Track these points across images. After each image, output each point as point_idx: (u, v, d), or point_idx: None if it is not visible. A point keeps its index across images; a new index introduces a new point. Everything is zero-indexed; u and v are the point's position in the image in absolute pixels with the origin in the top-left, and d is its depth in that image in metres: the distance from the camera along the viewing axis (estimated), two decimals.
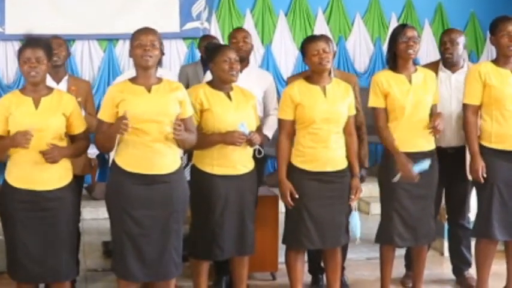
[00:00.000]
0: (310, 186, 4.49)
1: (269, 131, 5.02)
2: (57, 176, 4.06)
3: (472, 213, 5.23)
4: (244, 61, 5.05)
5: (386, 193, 4.74)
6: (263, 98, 5.13)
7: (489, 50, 9.55)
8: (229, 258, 4.62)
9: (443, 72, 5.06)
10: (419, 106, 4.64)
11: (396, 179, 4.60)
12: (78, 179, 4.58)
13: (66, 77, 4.96)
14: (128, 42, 4.35)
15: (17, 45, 8.22)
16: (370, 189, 6.19)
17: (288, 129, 4.54)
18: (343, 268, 5.01)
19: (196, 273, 4.58)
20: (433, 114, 4.71)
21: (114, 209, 4.08)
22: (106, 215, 4.22)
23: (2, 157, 4.08)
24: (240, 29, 5.55)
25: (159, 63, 4.20)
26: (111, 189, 4.12)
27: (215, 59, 4.47)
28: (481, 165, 4.64)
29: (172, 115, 4.02)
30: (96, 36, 8.84)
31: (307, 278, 5.18)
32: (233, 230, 4.48)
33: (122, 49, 8.78)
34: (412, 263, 5.01)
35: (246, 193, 4.53)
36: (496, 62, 4.76)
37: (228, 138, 4.38)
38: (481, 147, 4.70)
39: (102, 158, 8.00)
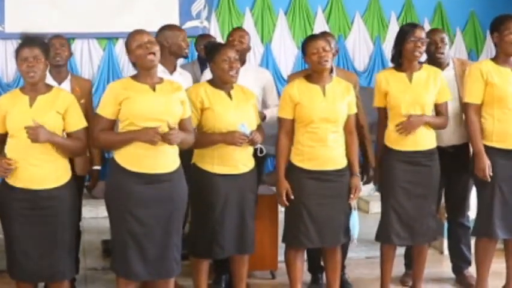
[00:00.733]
0: (309, 185, 4.50)
1: (268, 113, 5.02)
2: (55, 175, 4.05)
3: (472, 212, 5.24)
4: (240, 60, 5.03)
5: (385, 191, 4.75)
6: (262, 96, 5.12)
7: (489, 49, 9.54)
8: (229, 256, 4.62)
9: None
10: (416, 105, 4.63)
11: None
12: (79, 179, 4.57)
13: (68, 77, 4.93)
14: None
15: (16, 43, 8.18)
16: (369, 188, 6.20)
17: (287, 128, 4.54)
18: (343, 267, 5.01)
19: (196, 272, 4.58)
20: (439, 113, 4.73)
21: (115, 208, 4.08)
22: (105, 214, 4.22)
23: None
24: (237, 29, 5.56)
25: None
26: (111, 188, 4.11)
27: (215, 59, 4.47)
28: (487, 163, 4.63)
29: (175, 115, 4.03)
30: (95, 35, 8.84)
31: (307, 276, 5.18)
32: (233, 228, 4.49)
33: (122, 48, 8.76)
34: (412, 261, 5.01)
35: (247, 192, 4.53)
36: (496, 60, 4.76)
37: (229, 139, 4.38)
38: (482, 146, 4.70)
39: (102, 157, 7.97)
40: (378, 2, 9.59)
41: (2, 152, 4.08)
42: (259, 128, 4.61)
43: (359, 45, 9.57)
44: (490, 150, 4.68)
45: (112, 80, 8.42)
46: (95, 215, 7.25)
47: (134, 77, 4.12)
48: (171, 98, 4.06)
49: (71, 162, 4.30)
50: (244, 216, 4.53)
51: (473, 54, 9.71)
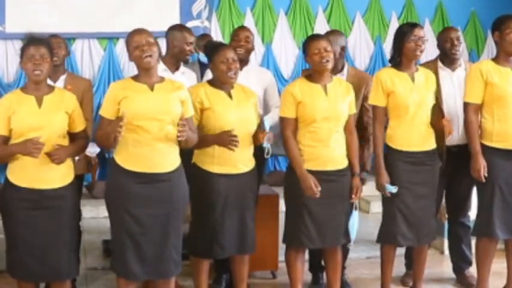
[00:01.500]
0: None
1: (270, 118, 4.97)
2: (59, 175, 4.05)
3: (472, 212, 5.23)
4: (243, 60, 5.04)
5: (390, 193, 4.73)
6: (264, 96, 5.12)
7: (489, 49, 9.56)
8: (229, 256, 4.62)
9: (444, 71, 5.06)
10: (422, 105, 4.64)
11: (392, 190, 4.63)
12: (78, 178, 4.57)
13: (64, 76, 4.93)
14: None
15: (17, 43, 8.24)
16: (370, 188, 6.19)
17: (292, 127, 4.51)
18: (343, 267, 5.01)
19: (197, 272, 4.58)
20: (436, 113, 4.72)
21: (114, 207, 4.08)
22: (106, 213, 4.22)
23: (6, 161, 4.06)
24: (243, 29, 5.44)
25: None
26: (111, 187, 4.12)
27: (213, 60, 4.46)
28: (482, 164, 4.64)
29: (173, 114, 4.03)
30: (96, 35, 8.84)
31: (307, 276, 5.18)
32: (233, 228, 4.48)
33: (122, 48, 8.76)
34: (413, 262, 5.01)
35: (247, 192, 4.52)
36: (496, 60, 4.76)
37: (220, 141, 4.35)
38: (482, 146, 4.70)
39: (102, 157, 8.00)
40: (378, 1, 9.60)
41: None
42: (259, 127, 4.60)
43: (360, 45, 9.58)
44: (490, 150, 4.67)
45: (113, 79, 8.44)
46: (95, 214, 7.25)
47: (134, 77, 4.13)
48: (169, 97, 4.06)
49: None
50: (245, 216, 4.52)
51: (474, 54, 9.72)
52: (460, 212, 5.30)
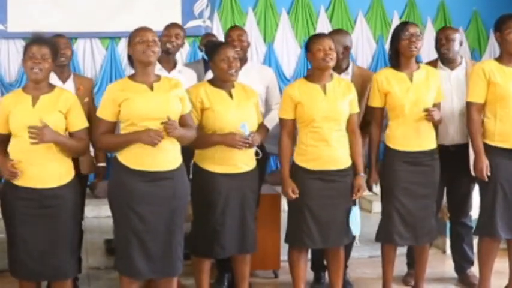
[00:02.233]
0: (312, 185, 4.48)
1: (269, 123, 4.94)
2: (58, 174, 4.05)
3: (474, 211, 5.23)
4: (241, 59, 5.03)
5: (387, 191, 4.74)
6: (266, 94, 5.11)
7: (492, 48, 9.55)
8: (231, 255, 4.62)
9: (443, 70, 5.05)
10: (419, 104, 4.63)
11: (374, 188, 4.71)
12: (82, 178, 4.57)
13: (71, 76, 4.94)
14: None
15: (19, 43, 8.26)
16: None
17: (289, 128, 4.54)
18: (345, 266, 5.00)
19: (198, 271, 4.58)
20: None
21: (118, 206, 4.08)
22: (108, 213, 4.22)
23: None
24: (234, 28, 5.44)
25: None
26: (114, 186, 4.12)
27: (214, 58, 4.46)
28: (485, 163, 4.64)
29: (175, 112, 4.04)
30: (98, 35, 8.85)
31: (309, 275, 5.17)
32: (234, 228, 4.48)
33: (124, 47, 8.76)
34: (414, 261, 5.00)
35: (248, 191, 4.52)
36: (499, 60, 4.75)
37: (229, 140, 4.36)
38: (485, 145, 4.69)
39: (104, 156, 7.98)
40: (380, 1, 9.60)
41: (6, 152, 4.08)
42: (260, 126, 4.60)
43: (362, 44, 9.58)
44: (492, 149, 4.67)
45: (114, 79, 8.43)
46: (97, 214, 7.26)
47: (131, 77, 4.13)
48: (170, 95, 4.06)
49: (75, 161, 4.32)
50: (246, 215, 4.52)
51: (476, 53, 9.71)
52: (461, 212, 5.30)
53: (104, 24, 8.69)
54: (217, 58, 4.43)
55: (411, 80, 4.67)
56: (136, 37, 4.04)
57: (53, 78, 4.49)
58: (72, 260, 4.18)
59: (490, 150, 4.67)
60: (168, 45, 5.10)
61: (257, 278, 5.38)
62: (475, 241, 5.09)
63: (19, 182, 4.00)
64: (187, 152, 4.30)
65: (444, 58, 5.08)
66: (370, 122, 4.83)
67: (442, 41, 5.07)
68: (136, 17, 8.19)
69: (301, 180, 4.50)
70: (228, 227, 4.45)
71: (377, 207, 5.02)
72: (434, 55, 5.37)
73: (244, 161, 4.47)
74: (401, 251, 5.13)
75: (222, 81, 4.48)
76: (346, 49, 5.03)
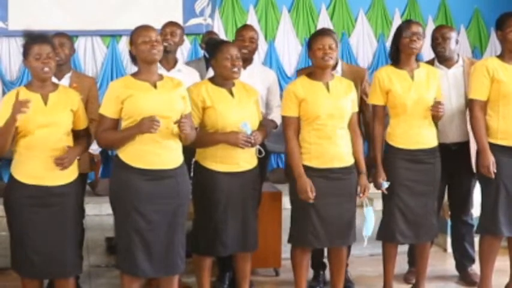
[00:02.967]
0: (317, 184, 4.44)
1: (276, 119, 4.97)
2: (64, 172, 4.05)
3: (475, 210, 5.23)
4: (247, 60, 5.03)
5: (388, 190, 4.73)
6: (266, 95, 5.11)
7: (493, 46, 9.55)
8: (232, 254, 4.62)
9: (440, 69, 5.04)
10: (420, 102, 4.63)
11: (385, 186, 4.66)
12: (81, 176, 4.58)
13: (69, 74, 4.92)
14: None
15: (20, 41, 8.20)
16: (373, 186, 6.19)
17: (294, 126, 4.50)
18: (346, 265, 5.00)
19: (199, 269, 4.57)
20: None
21: (119, 204, 4.08)
22: (109, 211, 4.23)
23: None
24: (248, 28, 5.32)
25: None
26: (115, 184, 4.12)
27: (217, 56, 4.45)
28: (491, 160, 4.62)
29: (177, 111, 4.04)
30: (99, 32, 8.85)
31: (309, 273, 5.17)
32: (236, 226, 4.48)
33: (125, 45, 8.77)
34: (415, 259, 5.01)
35: (249, 189, 4.52)
36: (501, 57, 4.75)
37: (232, 139, 4.35)
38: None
39: (105, 154, 8.00)
40: None
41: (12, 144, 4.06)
42: (261, 125, 4.60)
43: (363, 42, 9.57)
44: (494, 147, 4.67)
45: (116, 77, 8.44)
46: (98, 212, 7.26)
47: (134, 75, 4.14)
48: (173, 94, 4.07)
49: None
50: (247, 213, 4.52)
51: (477, 51, 9.71)
52: (462, 210, 5.30)
53: (105, 22, 8.69)
54: (221, 56, 4.42)
55: (412, 78, 4.67)
56: (139, 37, 4.04)
57: None
58: (76, 258, 4.20)
59: (492, 148, 4.66)
60: (164, 44, 5.06)
61: (258, 276, 5.38)
62: (476, 239, 5.09)
63: (27, 179, 4.01)
64: (188, 150, 4.30)
65: (440, 57, 5.08)
66: (364, 119, 4.88)
67: (438, 40, 5.07)
68: (137, 14, 8.20)
69: None
70: (229, 225, 4.45)
71: (378, 205, 5.01)
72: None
73: (245, 160, 4.47)
74: (402, 249, 5.13)
75: (224, 79, 4.47)
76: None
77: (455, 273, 5.44)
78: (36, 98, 4.03)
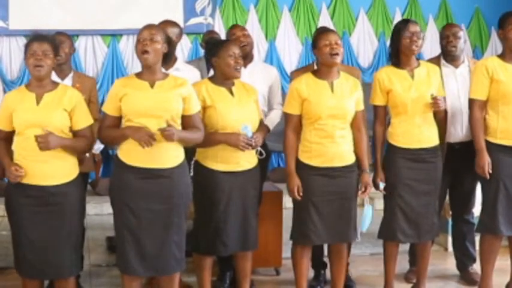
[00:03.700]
0: (317, 182, 4.47)
1: (269, 123, 4.94)
2: (63, 171, 4.06)
3: (476, 209, 5.23)
4: (248, 56, 5.03)
5: (389, 189, 4.73)
6: (268, 93, 5.11)
7: (493, 46, 9.55)
8: (232, 253, 4.62)
9: (447, 68, 5.05)
10: (421, 101, 4.63)
11: (381, 186, 4.69)
12: (82, 175, 4.58)
13: (71, 74, 4.93)
14: (131, 38, 4.39)
15: (20, 40, 8.25)
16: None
17: (294, 124, 4.52)
18: (347, 264, 5.00)
19: (200, 269, 4.57)
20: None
21: (116, 202, 4.11)
22: (110, 210, 4.23)
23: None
24: (236, 26, 5.47)
25: (168, 57, 4.19)
26: (113, 182, 4.15)
27: (220, 54, 4.45)
28: (487, 161, 4.63)
29: (173, 111, 4.03)
30: (99, 32, 8.84)
31: (310, 272, 5.17)
32: (236, 225, 4.48)
33: (126, 45, 8.80)
34: (416, 258, 5.01)
35: (249, 189, 4.52)
36: (502, 57, 4.75)
37: (233, 141, 4.35)
38: (487, 142, 4.69)
39: (106, 154, 8.00)
40: None
41: (10, 151, 4.08)
42: (261, 124, 4.59)
43: (363, 41, 9.57)
44: (494, 147, 4.67)
45: (116, 77, 8.43)
46: (99, 211, 7.27)
47: (138, 74, 4.15)
48: (169, 94, 4.06)
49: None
50: (247, 213, 4.52)
51: (478, 50, 9.70)
52: (464, 209, 5.30)
53: (105, 22, 8.69)
54: (225, 54, 4.41)
55: (412, 77, 4.68)
56: (137, 37, 4.07)
57: (52, 76, 4.46)
58: (75, 258, 4.19)
59: (492, 147, 4.67)
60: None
61: (259, 275, 5.38)
62: (477, 238, 5.09)
63: (25, 179, 4.00)
64: (189, 149, 4.30)
65: (450, 55, 5.08)
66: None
67: (450, 38, 5.06)
68: (138, 14, 8.21)
69: (306, 177, 4.49)
70: (230, 224, 4.45)
71: (379, 204, 5.02)
72: (436, 52, 5.37)
73: (246, 159, 4.47)
74: (403, 248, 5.13)
75: (225, 78, 4.47)
76: None
77: (456, 272, 5.44)
78: (30, 97, 4.03)
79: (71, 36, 5.10)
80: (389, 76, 4.70)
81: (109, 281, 5.30)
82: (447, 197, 5.32)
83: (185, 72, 4.95)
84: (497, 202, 4.68)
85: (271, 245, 5.27)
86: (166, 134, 3.94)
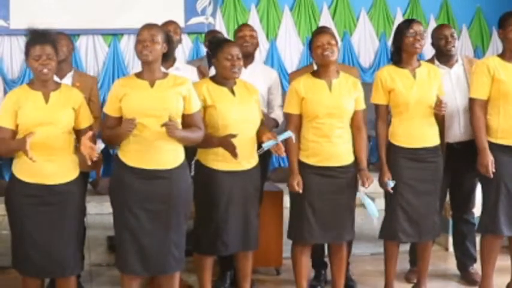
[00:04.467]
0: (313, 181, 4.49)
1: (277, 117, 5.02)
2: (65, 170, 4.06)
3: (477, 209, 5.23)
4: (249, 57, 5.05)
5: (392, 188, 4.73)
6: (267, 95, 5.11)
7: (494, 45, 9.54)
8: (233, 253, 4.62)
9: (442, 69, 5.04)
10: (423, 101, 4.64)
11: (390, 185, 4.65)
12: (83, 175, 4.58)
13: (71, 73, 4.93)
14: (132, 37, 4.39)
15: (21, 40, 8.22)
16: (374, 185, 6.19)
17: (295, 123, 4.53)
18: (348, 263, 5.00)
19: (201, 269, 4.58)
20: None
21: (115, 202, 4.12)
22: (110, 209, 4.23)
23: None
24: (246, 26, 5.53)
25: (168, 56, 4.19)
26: (113, 182, 4.16)
27: (217, 55, 4.46)
28: (490, 159, 4.63)
29: (173, 110, 4.03)
30: (100, 31, 8.84)
31: (311, 272, 5.17)
32: (237, 225, 4.48)
33: (127, 44, 8.79)
34: (417, 258, 5.01)
35: (250, 188, 4.52)
36: (502, 56, 4.75)
37: (224, 145, 4.29)
38: (487, 142, 4.69)
39: (106, 153, 7.99)
40: None
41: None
42: (262, 123, 4.60)
43: (364, 41, 9.56)
44: (495, 146, 4.67)
45: (117, 76, 8.44)
46: (99, 211, 7.25)
47: (138, 74, 4.16)
48: (169, 93, 4.06)
49: None
50: (248, 212, 4.52)
51: (479, 50, 9.70)
52: (464, 209, 5.30)
53: (106, 21, 8.69)
54: (222, 56, 4.42)
55: (414, 76, 4.68)
56: (137, 36, 4.07)
57: None
58: (76, 257, 4.19)
59: (492, 147, 4.67)
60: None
61: (259, 275, 5.38)
62: (478, 238, 5.09)
63: (28, 178, 4.00)
64: (190, 149, 4.30)
65: (447, 55, 5.08)
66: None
67: (449, 39, 5.06)
68: (138, 13, 8.19)
69: (303, 175, 4.50)
70: (230, 224, 4.45)
71: (379, 204, 5.01)
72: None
73: (246, 159, 4.47)
74: (404, 248, 5.14)
75: (223, 79, 4.48)
76: None
77: (457, 272, 5.44)
78: (38, 96, 4.03)
79: (68, 35, 5.09)
80: (391, 75, 4.70)
81: (110, 281, 5.30)
82: (448, 197, 5.32)
83: (185, 72, 4.96)
84: (498, 202, 4.69)
85: (272, 244, 5.27)
86: (169, 128, 3.94)
